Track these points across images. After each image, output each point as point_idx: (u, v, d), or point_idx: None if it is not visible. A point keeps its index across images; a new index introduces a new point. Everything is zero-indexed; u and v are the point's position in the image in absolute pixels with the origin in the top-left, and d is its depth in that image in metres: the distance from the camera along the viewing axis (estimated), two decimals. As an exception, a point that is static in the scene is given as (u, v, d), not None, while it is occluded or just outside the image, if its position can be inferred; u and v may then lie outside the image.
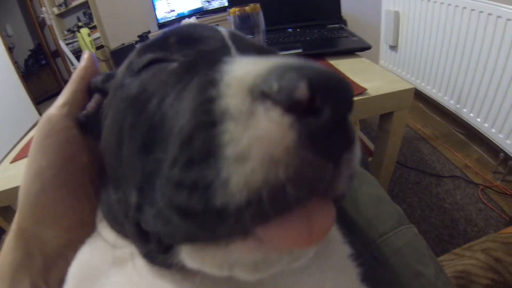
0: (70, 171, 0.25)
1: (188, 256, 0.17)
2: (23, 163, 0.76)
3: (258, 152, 0.13)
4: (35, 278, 0.24)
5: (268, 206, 0.13)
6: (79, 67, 0.29)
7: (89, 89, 0.28)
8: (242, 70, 0.15)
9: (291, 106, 0.13)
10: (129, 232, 0.22)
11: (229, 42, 0.23)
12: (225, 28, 0.25)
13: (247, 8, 0.73)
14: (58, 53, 3.23)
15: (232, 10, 0.74)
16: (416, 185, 1.25)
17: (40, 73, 3.38)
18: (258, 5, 0.74)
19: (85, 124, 0.27)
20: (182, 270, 0.19)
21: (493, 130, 1.15)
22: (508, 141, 1.08)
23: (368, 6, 1.86)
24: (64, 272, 0.24)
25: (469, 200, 1.14)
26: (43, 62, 3.41)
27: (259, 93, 0.14)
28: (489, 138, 1.19)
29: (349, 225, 0.39)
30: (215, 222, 0.14)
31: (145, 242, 0.20)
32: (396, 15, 1.56)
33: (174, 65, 0.20)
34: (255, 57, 0.17)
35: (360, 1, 1.90)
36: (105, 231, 0.26)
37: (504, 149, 1.12)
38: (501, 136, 1.11)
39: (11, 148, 0.90)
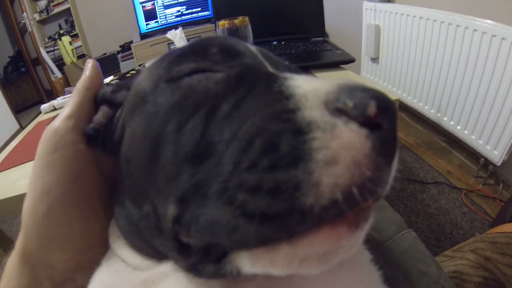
0: (79, 189, 0.24)
1: (251, 260, 0.17)
2: (4, 176, 0.72)
3: (346, 157, 0.15)
4: None
5: (351, 202, 0.15)
6: (84, 76, 0.27)
7: (94, 101, 0.27)
8: (310, 86, 0.17)
9: (364, 121, 0.15)
10: (165, 247, 0.21)
11: (261, 58, 0.23)
12: (252, 45, 0.25)
13: (236, 21, 0.73)
14: (38, 61, 3.14)
15: (221, 22, 0.74)
16: (401, 192, 1.28)
17: (20, 81, 3.28)
18: (247, 18, 0.75)
19: (93, 138, 0.26)
20: (231, 279, 0.18)
21: (473, 137, 1.19)
22: (488, 147, 1.13)
23: (350, 20, 1.91)
24: None
25: (454, 204, 1.18)
26: (23, 69, 3.30)
27: (334, 108, 0.16)
28: (469, 144, 1.24)
29: None
30: (296, 222, 0.15)
31: (187, 254, 0.19)
32: (377, 28, 1.61)
33: (220, 75, 0.21)
34: (308, 75, 0.20)
35: (342, 15, 1.96)
36: (124, 252, 0.24)
37: (484, 155, 1.17)
38: (480, 142, 1.16)
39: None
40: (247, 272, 0.17)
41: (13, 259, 0.24)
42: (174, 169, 0.19)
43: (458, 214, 1.14)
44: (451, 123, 1.30)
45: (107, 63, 2.83)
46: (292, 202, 0.14)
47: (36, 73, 3.29)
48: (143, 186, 0.21)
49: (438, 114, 1.37)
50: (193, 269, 0.19)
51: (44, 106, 1.03)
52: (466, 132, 1.23)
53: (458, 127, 1.26)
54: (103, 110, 0.27)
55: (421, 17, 1.31)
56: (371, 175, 0.15)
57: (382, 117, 0.15)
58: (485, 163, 1.23)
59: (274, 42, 1.11)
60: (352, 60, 0.91)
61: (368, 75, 1.82)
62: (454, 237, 1.04)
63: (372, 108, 0.15)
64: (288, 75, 0.20)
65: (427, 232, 1.08)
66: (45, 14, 2.93)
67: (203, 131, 0.18)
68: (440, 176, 1.33)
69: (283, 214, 0.15)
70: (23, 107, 3.14)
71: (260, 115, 0.17)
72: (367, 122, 0.15)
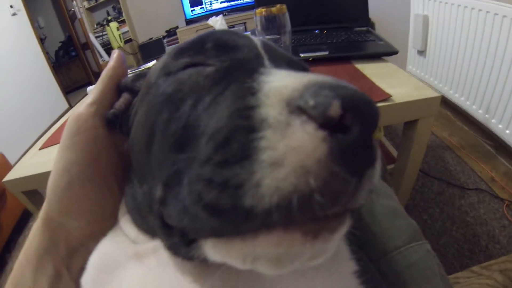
0: (97, 168, 0.27)
1: (212, 249, 0.18)
2: (51, 150, 0.79)
3: (292, 161, 0.14)
4: (58, 264, 0.26)
5: (293, 211, 0.14)
6: (108, 66, 0.30)
7: (117, 89, 0.29)
8: (279, 83, 0.17)
9: (325, 122, 0.14)
10: (154, 225, 0.23)
11: (262, 51, 0.24)
12: (258, 37, 0.26)
13: (273, 9, 0.72)
14: (87, 45, 3.35)
15: (258, 10, 0.74)
16: (438, 195, 1.21)
17: (70, 64, 3.52)
18: (284, 6, 0.73)
19: (113, 122, 0.28)
20: (204, 263, 0.19)
21: (523, 144, 1.09)
22: (539, 156, 1.03)
23: (397, 10, 1.81)
24: (85, 261, 0.26)
25: (493, 215, 1.09)
26: (73, 54, 3.54)
27: (296, 107, 0.15)
28: (518, 151, 1.14)
29: (364, 235, 0.38)
30: (241, 220, 0.15)
31: (169, 234, 0.21)
32: (425, 19, 1.51)
33: (210, 69, 0.21)
34: (290, 71, 0.19)
35: (389, 4, 1.86)
36: (126, 226, 0.27)
37: (535, 164, 1.07)
38: (531, 150, 1.06)
39: (40, 135, 0.94)
40: (211, 260, 0.18)
41: (37, 223, 0.27)
42: (161, 156, 0.21)
43: (497, 227, 1.05)
44: (500, 126, 1.20)
45: (153, 48, 2.95)
46: (235, 200, 0.14)
47: (85, 56, 3.51)
48: (143, 168, 0.24)
49: (486, 115, 1.26)
50: (172, 248, 0.21)
51: (90, 88, 1.11)
52: (515, 137, 1.13)
53: (507, 131, 1.16)
54: (124, 97, 0.29)
55: (473, 8, 1.20)
56: (322, 184, 0.14)
57: (352, 120, 0.14)
58: (535, 173, 1.12)
59: (316, 31, 1.08)
60: (394, 52, 0.87)
61: (414, 68, 1.72)
62: (489, 251, 0.97)
63: (334, 108, 0.14)
64: (267, 70, 0.19)
65: (461, 242, 1.02)
66: (94, 1, 3.11)
67: (185, 123, 0.19)
68: (482, 183, 1.24)
69: (229, 210, 0.15)
70: (73, 88, 3.38)
71: (226, 110, 0.17)
72: (330, 124, 0.14)
